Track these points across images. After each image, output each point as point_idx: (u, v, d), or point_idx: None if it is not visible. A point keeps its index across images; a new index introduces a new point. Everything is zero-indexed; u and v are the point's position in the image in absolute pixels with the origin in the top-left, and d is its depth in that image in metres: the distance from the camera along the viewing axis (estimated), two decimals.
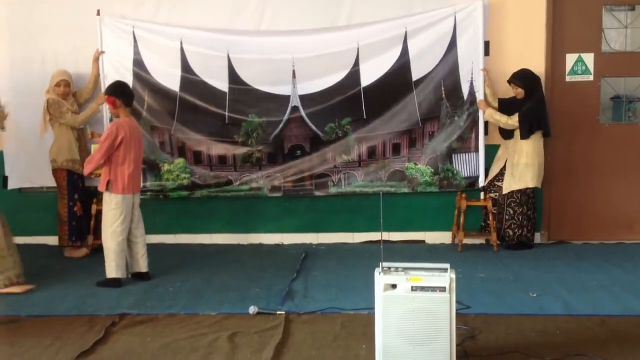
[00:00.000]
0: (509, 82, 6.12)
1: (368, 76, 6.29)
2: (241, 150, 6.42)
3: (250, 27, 6.37)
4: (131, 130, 5.32)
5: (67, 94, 6.24)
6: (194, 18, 6.37)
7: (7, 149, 6.59)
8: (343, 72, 6.31)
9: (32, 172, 6.58)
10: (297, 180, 6.47)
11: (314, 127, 6.38)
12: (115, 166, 5.26)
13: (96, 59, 6.31)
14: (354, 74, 6.30)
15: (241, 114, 6.38)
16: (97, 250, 6.17)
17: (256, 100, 6.36)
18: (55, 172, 6.27)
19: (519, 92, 6.10)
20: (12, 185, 6.64)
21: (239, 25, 6.37)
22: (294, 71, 6.31)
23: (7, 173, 6.63)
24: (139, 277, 5.49)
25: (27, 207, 6.73)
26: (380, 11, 6.27)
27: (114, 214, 5.27)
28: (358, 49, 6.25)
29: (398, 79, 6.29)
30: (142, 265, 5.51)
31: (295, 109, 6.36)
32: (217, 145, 6.44)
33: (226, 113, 6.36)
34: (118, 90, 5.36)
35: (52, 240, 6.59)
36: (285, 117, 6.37)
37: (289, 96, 6.35)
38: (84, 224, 6.36)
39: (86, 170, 5.39)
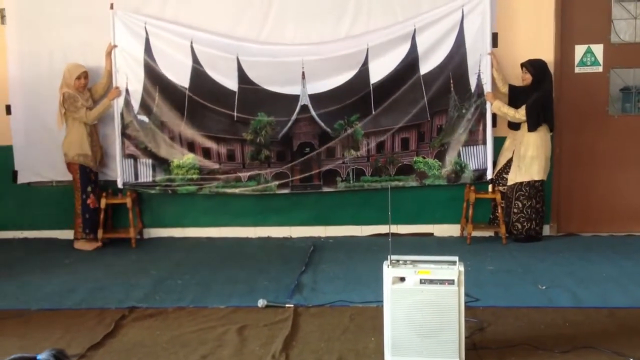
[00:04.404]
0: (522, 65, 6.09)
1: (377, 74, 6.25)
2: (250, 148, 6.41)
3: (257, 38, 6.35)
4: None
5: (86, 85, 6.29)
6: (202, 22, 6.32)
7: (16, 143, 6.60)
8: (352, 71, 6.27)
9: (41, 166, 6.59)
10: (306, 176, 6.46)
11: (323, 125, 6.34)
12: None
13: (109, 54, 6.28)
14: (363, 72, 6.26)
15: (250, 113, 6.34)
16: (108, 244, 6.28)
17: (265, 99, 6.33)
18: (69, 165, 6.32)
19: (527, 79, 6.07)
20: (21, 179, 6.65)
21: (243, 34, 6.34)
22: (303, 72, 6.27)
23: (16, 167, 6.65)
24: None
25: (37, 202, 6.76)
26: (389, 18, 6.24)
27: None
28: (367, 49, 6.22)
29: (407, 74, 6.24)
30: None
31: (304, 108, 6.32)
32: (225, 142, 6.42)
33: (235, 111, 6.34)
34: None
35: (62, 234, 6.63)
36: (294, 116, 6.34)
37: (298, 96, 6.31)
38: (97, 217, 6.38)
39: None
